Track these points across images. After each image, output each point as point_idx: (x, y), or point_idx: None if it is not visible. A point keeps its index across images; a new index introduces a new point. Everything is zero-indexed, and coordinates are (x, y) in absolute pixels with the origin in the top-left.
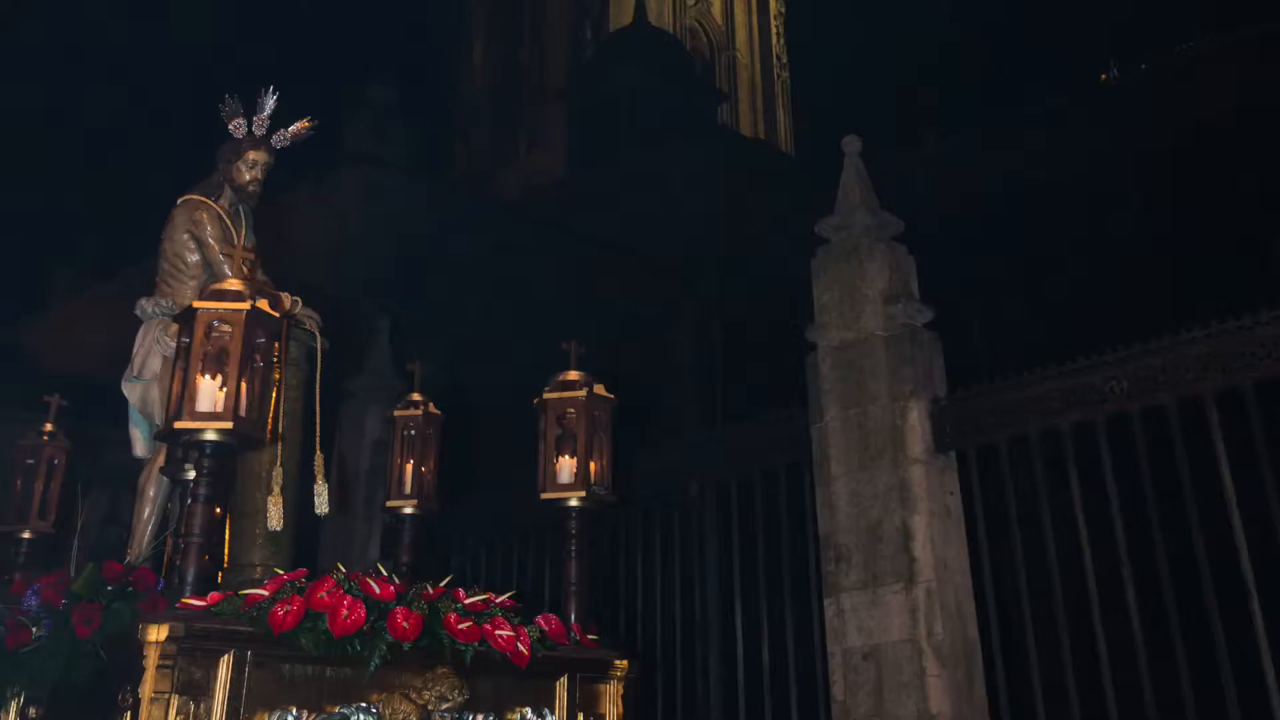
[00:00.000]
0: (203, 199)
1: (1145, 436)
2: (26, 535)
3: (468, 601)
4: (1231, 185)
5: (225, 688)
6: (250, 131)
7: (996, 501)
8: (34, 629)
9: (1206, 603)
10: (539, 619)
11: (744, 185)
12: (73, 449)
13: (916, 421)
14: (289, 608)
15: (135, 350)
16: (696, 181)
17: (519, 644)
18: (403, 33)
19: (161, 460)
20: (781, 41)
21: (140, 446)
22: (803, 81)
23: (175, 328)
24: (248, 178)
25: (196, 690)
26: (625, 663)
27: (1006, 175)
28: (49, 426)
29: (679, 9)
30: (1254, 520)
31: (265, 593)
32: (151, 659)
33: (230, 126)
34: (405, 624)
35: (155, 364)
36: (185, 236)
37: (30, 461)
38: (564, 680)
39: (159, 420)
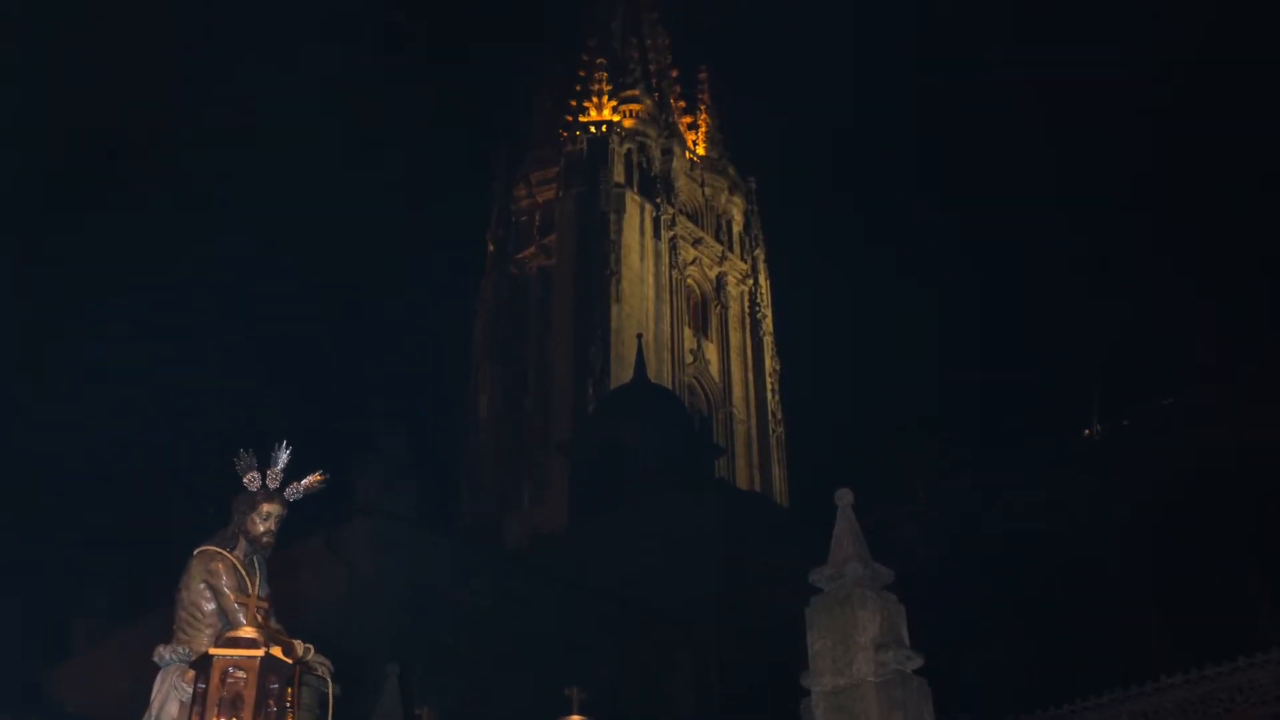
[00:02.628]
0: (218, 549)
1: None
2: None
3: None
4: (1210, 533)
5: None
6: (264, 485)
7: None
8: None
9: None
10: None
11: (741, 536)
12: None
13: None
14: None
15: (153, 695)
16: (695, 533)
17: None
18: (412, 386)
19: None
20: (776, 398)
21: None
22: (798, 433)
23: (192, 674)
24: (261, 529)
25: None
26: None
27: (994, 525)
28: None
29: (678, 367)
30: None
31: None
32: None
33: (245, 480)
34: None
35: (173, 709)
36: (202, 586)
37: None
38: None
39: None
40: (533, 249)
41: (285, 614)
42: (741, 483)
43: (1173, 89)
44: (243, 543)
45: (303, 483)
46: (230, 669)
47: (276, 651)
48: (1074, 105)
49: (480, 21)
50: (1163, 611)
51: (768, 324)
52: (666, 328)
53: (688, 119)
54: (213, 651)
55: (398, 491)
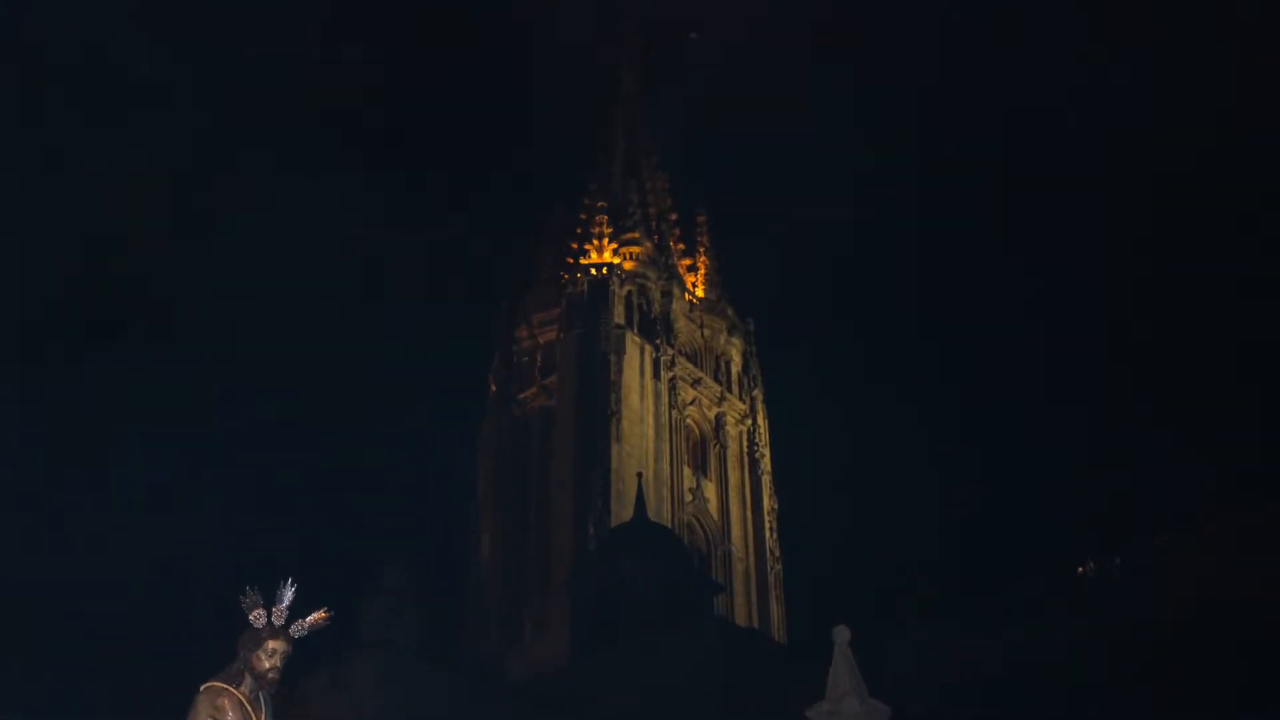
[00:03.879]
0: (224, 685)
1: None
2: None
3: None
4: (1204, 671)
5: None
6: (270, 621)
7: None
8: None
9: None
10: None
11: (739, 673)
12: None
13: None
14: None
15: None
16: (695, 670)
17: None
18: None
19: None
20: (774, 536)
21: None
22: (796, 569)
23: None
24: (267, 665)
25: None
26: None
27: (990, 662)
28: None
29: (677, 505)
30: None
31: None
32: None
33: (251, 617)
34: None
35: None
36: None
37: None
38: None
39: None
40: (534, 389)
41: None
42: (740, 619)
43: (1172, 218)
44: (248, 679)
45: (308, 620)
46: None
47: None
48: (1070, 232)
49: (481, 164)
50: None
51: (766, 463)
52: (666, 466)
53: (687, 261)
54: None
55: (401, 626)
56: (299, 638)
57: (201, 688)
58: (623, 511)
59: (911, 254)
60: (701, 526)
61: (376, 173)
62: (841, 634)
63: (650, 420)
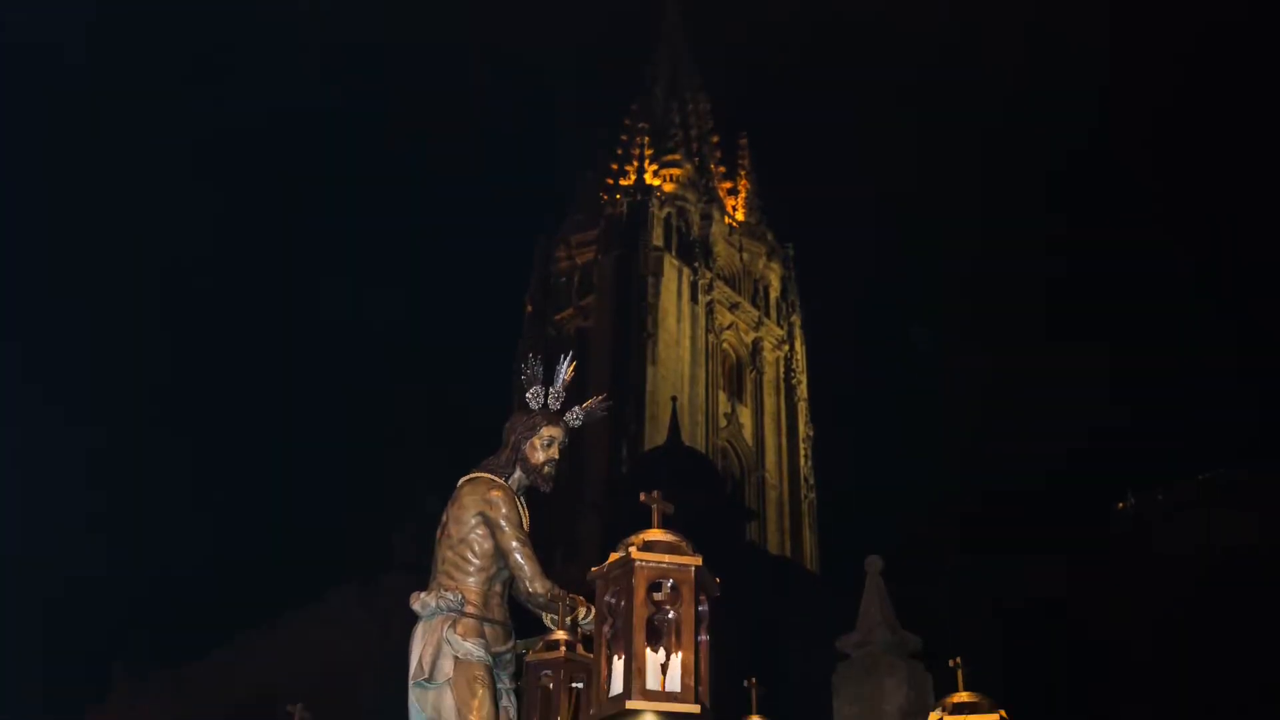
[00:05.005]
0: (494, 478)
1: None
2: None
3: None
4: (1244, 611)
5: None
6: (546, 405)
7: None
8: None
9: None
10: None
11: (770, 601)
12: None
13: None
14: None
15: (418, 652)
16: (725, 597)
17: None
18: (448, 453)
19: None
20: (809, 463)
21: None
22: (830, 499)
23: (469, 625)
24: (543, 458)
25: None
26: None
27: (1025, 596)
28: None
29: (711, 430)
30: None
31: None
32: None
33: (528, 395)
34: None
35: (447, 666)
36: (476, 520)
37: None
38: None
39: None
40: (571, 310)
41: (320, 667)
42: (772, 547)
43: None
44: (518, 474)
45: (585, 405)
46: (661, 581)
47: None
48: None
49: (528, 80)
50: (1196, 688)
51: (802, 390)
52: (701, 391)
53: (727, 184)
54: (636, 555)
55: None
56: (575, 427)
57: (464, 480)
58: (656, 435)
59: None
60: (735, 452)
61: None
62: (874, 564)
63: (686, 344)
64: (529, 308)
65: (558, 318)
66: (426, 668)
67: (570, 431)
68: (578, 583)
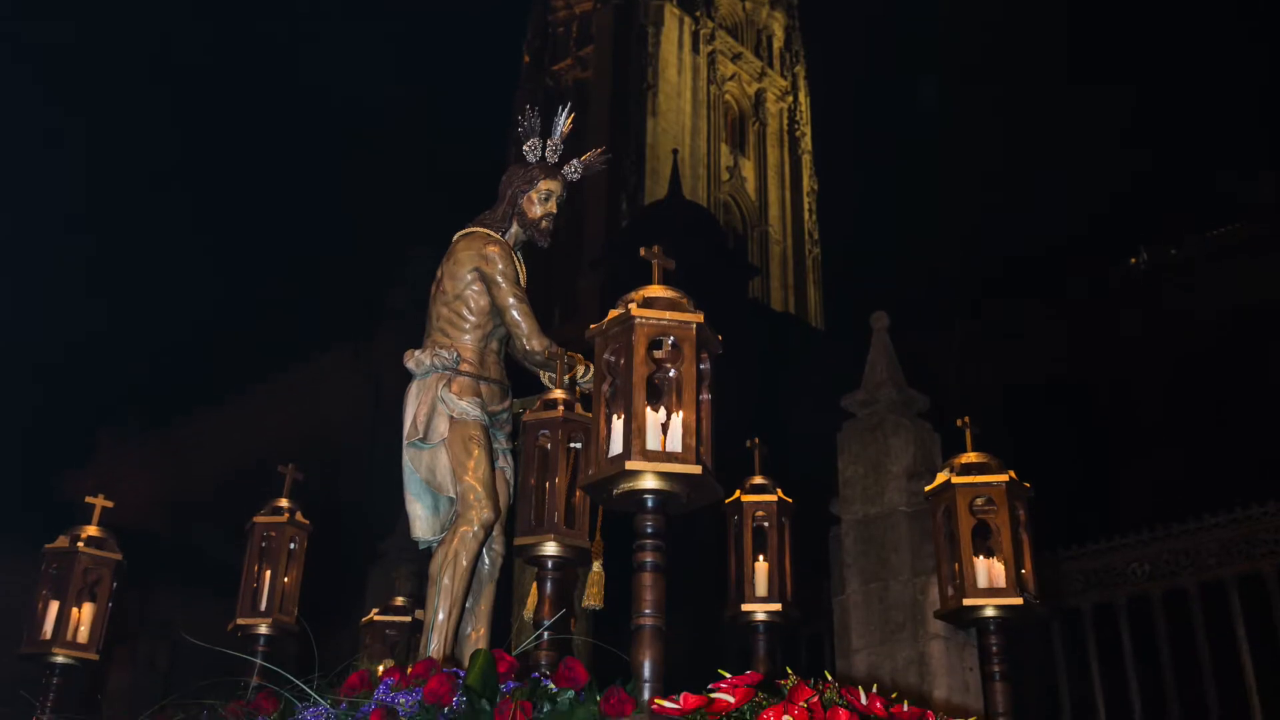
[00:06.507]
0: (490, 232)
1: (1166, 618)
2: (264, 631)
3: None
4: (1261, 367)
5: None
6: (544, 157)
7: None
8: None
9: None
10: None
11: (773, 359)
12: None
13: (938, 597)
14: (790, 719)
15: (412, 412)
16: (727, 353)
17: None
18: (441, 215)
19: (463, 535)
20: (814, 218)
21: (422, 526)
22: (835, 255)
23: (464, 383)
24: (540, 212)
25: None
26: None
27: (1033, 356)
28: (285, 502)
29: (713, 184)
30: (1274, 705)
31: (731, 699)
32: None
33: (525, 146)
34: None
35: (442, 426)
36: (471, 276)
37: (265, 545)
38: None
39: (451, 492)
40: (569, 61)
41: (311, 425)
42: (776, 304)
43: None
44: (515, 229)
45: (584, 158)
46: (661, 339)
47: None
48: None
49: None
50: (1209, 448)
51: (806, 142)
52: (703, 144)
53: None
54: (636, 312)
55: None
56: (573, 181)
57: (459, 235)
58: (657, 189)
59: None
60: (738, 206)
61: None
62: (880, 320)
63: (688, 95)
64: (526, 59)
65: (555, 69)
66: (421, 427)
67: (569, 185)
68: (576, 340)
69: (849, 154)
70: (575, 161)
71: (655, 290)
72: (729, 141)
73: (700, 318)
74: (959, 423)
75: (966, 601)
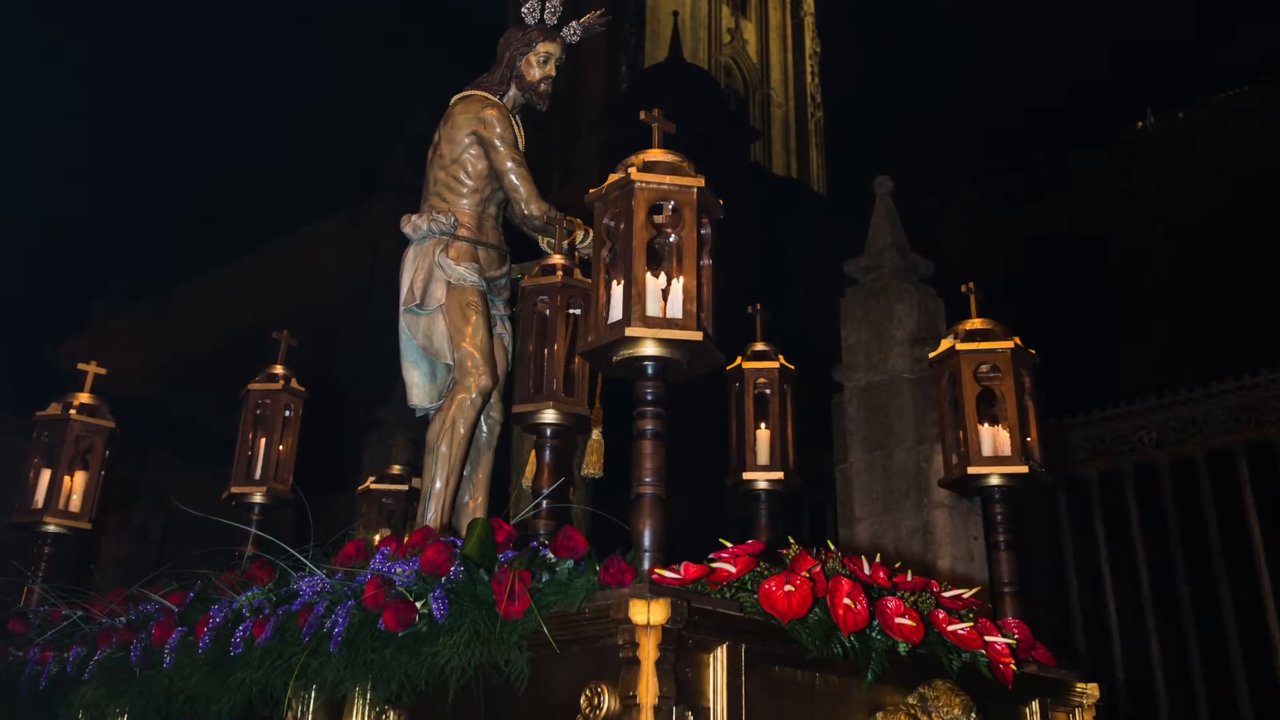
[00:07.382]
0: (488, 95)
1: (1173, 486)
2: (259, 499)
3: (946, 596)
4: (1272, 240)
5: (723, 694)
6: (543, 19)
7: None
8: (419, 604)
9: (1231, 655)
10: (1006, 626)
11: (775, 223)
12: (309, 397)
13: (942, 465)
14: (792, 589)
15: (408, 277)
16: (727, 220)
17: (1008, 656)
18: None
19: (461, 403)
20: (816, 81)
21: (419, 394)
22: (838, 120)
23: (462, 249)
24: (539, 75)
25: (688, 696)
26: (1095, 688)
27: (1041, 220)
28: (280, 369)
29: (714, 46)
30: None
31: (732, 569)
32: (648, 650)
33: (524, 9)
34: (907, 622)
35: (439, 292)
36: (469, 139)
37: (259, 412)
38: (1035, 706)
39: (449, 359)
40: None
41: (307, 292)
42: (778, 168)
43: None
44: (513, 92)
45: (583, 20)
46: (661, 203)
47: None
48: None
49: None
50: (1216, 314)
51: (809, 3)
52: (704, 5)
53: None
54: (636, 176)
55: (423, 170)
56: (572, 43)
57: (457, 98)
58: (657, 52)
59: None
60: (740, 69)
61: None
62: (883, 184)
63: None
64: None
65: None
66: (418, 293)
67: (568, 48)
68: (576, 205)
69: (851, 16)
70: (574, 24)
71: (655, 154)
72: (730, 3)
73: (701, 182)
74: (963, 288)
75: (971, 470)
